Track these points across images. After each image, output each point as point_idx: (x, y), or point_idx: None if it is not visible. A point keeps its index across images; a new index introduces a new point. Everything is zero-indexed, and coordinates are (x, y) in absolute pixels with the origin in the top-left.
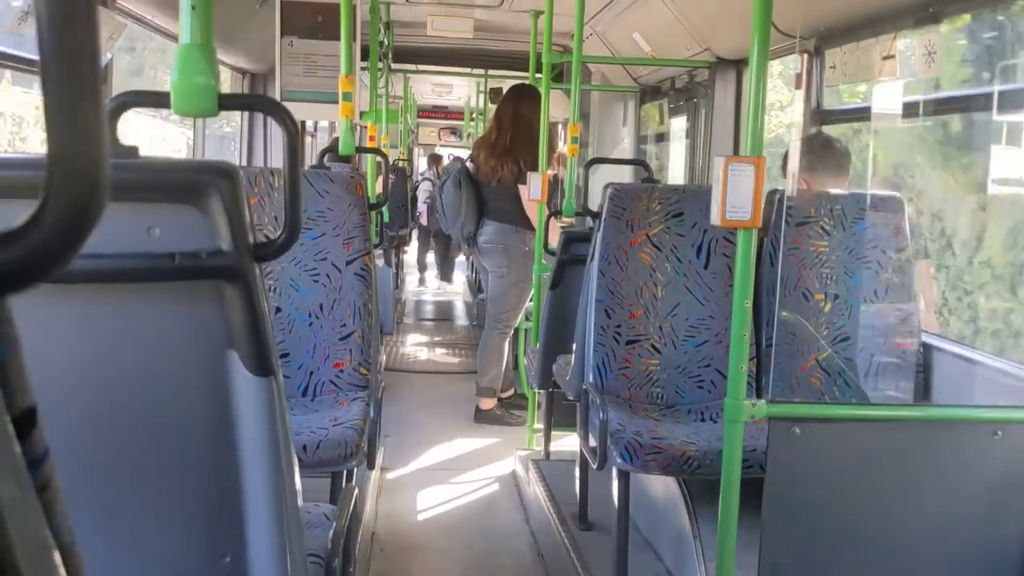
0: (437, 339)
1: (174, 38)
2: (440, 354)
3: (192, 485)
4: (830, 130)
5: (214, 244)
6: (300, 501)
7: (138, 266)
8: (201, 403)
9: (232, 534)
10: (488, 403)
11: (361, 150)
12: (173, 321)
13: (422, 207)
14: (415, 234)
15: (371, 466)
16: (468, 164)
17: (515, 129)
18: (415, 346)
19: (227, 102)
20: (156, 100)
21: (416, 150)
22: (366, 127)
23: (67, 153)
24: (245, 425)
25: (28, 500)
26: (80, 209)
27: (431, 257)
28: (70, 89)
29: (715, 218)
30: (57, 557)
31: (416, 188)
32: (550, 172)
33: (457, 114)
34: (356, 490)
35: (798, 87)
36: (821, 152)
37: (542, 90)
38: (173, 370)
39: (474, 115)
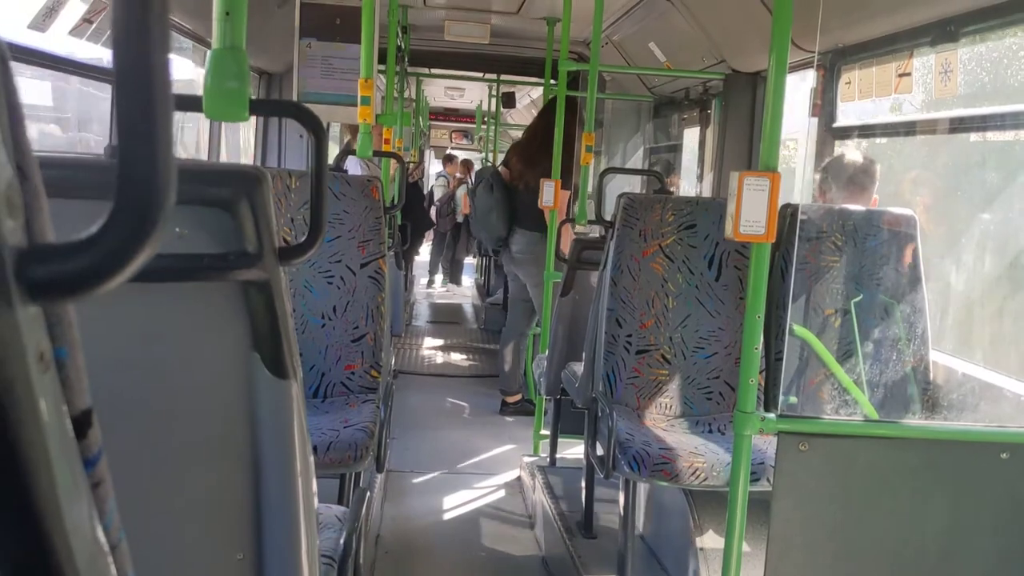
0: (445, 342)
1: (203, 43)
2: (448, 357)
3: (210, 484)
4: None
5: (241, 247)
6: (316, 502)
7: (165, 266)
8: (222, 403)
9: (248, 534)
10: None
11: (378, 154)
12: (198, 322)
13: (433, 209)
14: (428, 235)
15: (380, 469)
16: (501, 168)
17: (548, 138)
18: (423, 348)
19: (258, 107)
20: (188, 104)
21: (428, 152)
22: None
23: (137, 164)
24: (264, 426)
25: (84, 499)
26: (146, 221)
27: (441, 260)
28: (140, 101)
29: (729, 232)
30: (109, 555)
31: (431, 190)
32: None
33: (469, 117)
34: (368, 494)
35: (814, 115)
36: (841, 172)
37: (558, 98)
38: (196, 370)
39: (486, 118)
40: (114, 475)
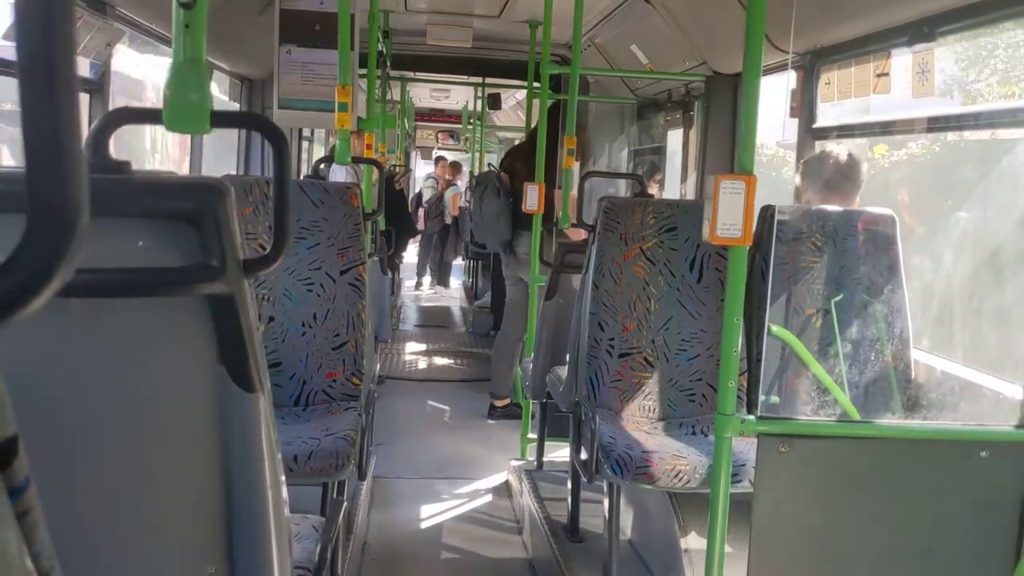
0: (433, 346)
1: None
2: (436, 361)
3: (179, 497)
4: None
5: (204, 260)
6: (287, 513)
7: (128, 281)
8: (189, 417)
9: (218, 547)
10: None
11: (358, 160)
12: (162, 337)
13: (421, 211)
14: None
15: (362, 477)
16: (501, 173)
17: (553, 142)
18: (411, 353)
19: (220, 120)
20: (149, 116)
21: (414, 153)
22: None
23: (47, 187)
24: (233, 440)
25: (10, 529)
26: (60, 245)
27: (428, 262)
28: (46, 116)
29: (706, 235)
30: None
31: (419, 192)
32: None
33: (455, 117)
34: (345, 503)
35: (793, 116)
36: (823, 170)
37: (539, 101)
38: (162, 385)
39: (472, 120)
40: (79, 488)
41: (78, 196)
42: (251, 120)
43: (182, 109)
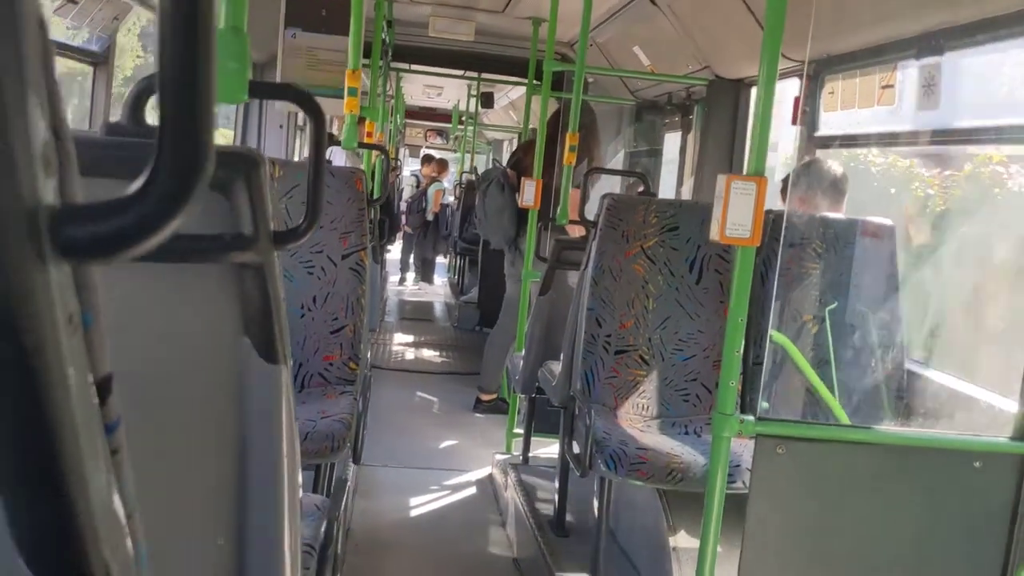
0: (417, 339)
1: None
2: (420, 353)
3: (194, 467)
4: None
5: (236, 229)
6: (300, 491)
7: (160, 246)
8: (211, 387)
9: (230, 519)
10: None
11: (363, 145)
12: (190, 303)
13: (403, 206)
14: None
15: (356, 460)
16: (508, 170)
17: (553, 139)
18: (396, 344)
19: (258, 90)
20: None
21: (403, 150)
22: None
23: (177, 129)
24: (253, 412)
25: (104, 466)
26: (186, 181)
27: (412, 258)
28: (183, 71)
29: (715, 234)
30: (125, 525)
31: (401, 188)
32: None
33: (445, 116)
34: (348, 483)
35: (794, 122)
36: (816, 179)
37: (539, 99)
38: (186, 352)
39: (463, 118)
40: None
41: (207, 129)
42: (290, 93)
43: (222, 76)
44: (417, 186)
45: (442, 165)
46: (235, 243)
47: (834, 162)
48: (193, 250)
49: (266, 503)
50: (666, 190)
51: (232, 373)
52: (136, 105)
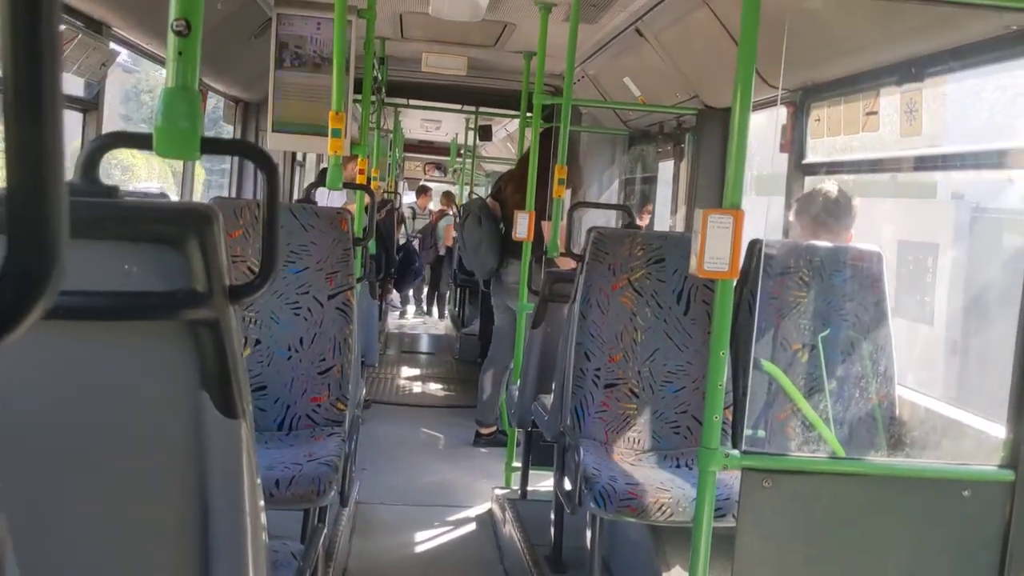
0: (419, 372)
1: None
2: (422, 387)
3: (157, 524)
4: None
5: (190, 285)
6: (265, 540)
7: (113, 304)
8: (170, 442)
9: (195, 573)
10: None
11: (348, 185)
12: (146, 360)
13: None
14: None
15: (344, 503)
16: (489, 200)
17: (544, 169)
18: (398, 379)
19: (209, 146)
20: (139, 141)
21: (402, 184)
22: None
23: (27, 227)
24: (213, 466)
25: None
26: (34, 288)
27: (411, 292)
28: (28, 133)
29: (694, 268)
30: None
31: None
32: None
33: (443, 149)
34: (325, 529)
35: (783, 151)
36: (819, 207)
37: (531, 131)
38: (144, 408)
39: (461, 151)
40: (59, 510)
41: (58, 231)
42: (241, 147)
43: (172, 135)
44: (414, 217)
45: (448, 198)
46: (188, 299)
47: (835, 186)
48: (147, 307)
49: (231, 557)
50: (661, 220)
51: (191, 429)
52: (89, 164)
